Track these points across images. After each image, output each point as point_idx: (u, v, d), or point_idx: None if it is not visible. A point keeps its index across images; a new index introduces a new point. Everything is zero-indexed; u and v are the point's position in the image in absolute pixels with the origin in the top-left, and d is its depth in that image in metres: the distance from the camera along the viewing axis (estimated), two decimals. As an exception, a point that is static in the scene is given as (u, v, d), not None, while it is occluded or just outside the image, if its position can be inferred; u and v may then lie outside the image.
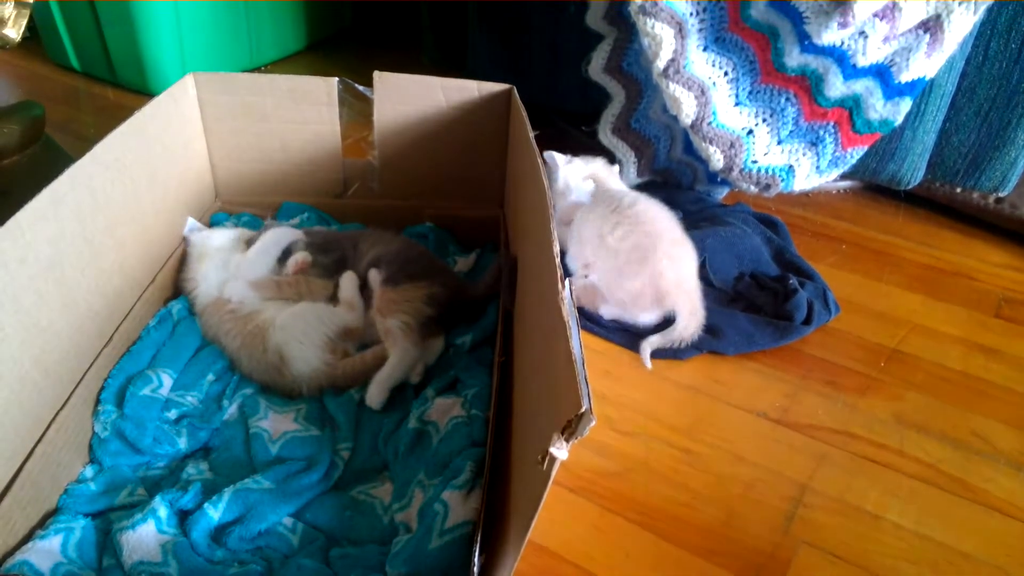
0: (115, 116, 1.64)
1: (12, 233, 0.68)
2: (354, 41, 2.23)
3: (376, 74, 1.07)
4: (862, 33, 1.09)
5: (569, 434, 0.52)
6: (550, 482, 0.53)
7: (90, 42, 1.77)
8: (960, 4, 1.07)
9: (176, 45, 1.70)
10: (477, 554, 0.65)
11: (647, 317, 1.07)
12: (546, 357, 0.66)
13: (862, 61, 1.12)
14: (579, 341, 0.57)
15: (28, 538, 0.69)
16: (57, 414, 0.76)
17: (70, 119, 1.64)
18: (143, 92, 1.76)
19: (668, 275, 1.03)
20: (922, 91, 1.20)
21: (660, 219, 1.08)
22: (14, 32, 1.17)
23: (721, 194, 1.43)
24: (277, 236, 1.02)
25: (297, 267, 0.99)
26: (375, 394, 0.88)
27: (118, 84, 1.81)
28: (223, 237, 1.03)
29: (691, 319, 1.03)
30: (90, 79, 1.85)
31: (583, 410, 0.51)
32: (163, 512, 0.72)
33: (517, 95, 1.04)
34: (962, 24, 1.08)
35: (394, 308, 0.94)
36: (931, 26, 1.09)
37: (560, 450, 0.52)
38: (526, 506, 0.59)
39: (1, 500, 0.67)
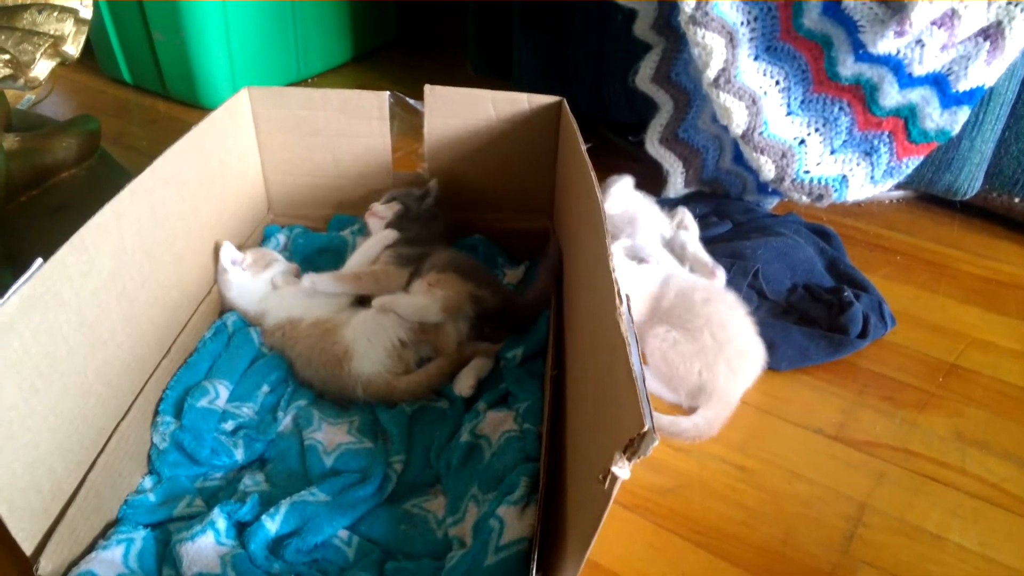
0: (166, 128, 1.70)
1: (76, 248, 0.70)
2: (400, 52, 2.25)
3: (427, 87, 1.07)
4: (919, 41, 1.07)
5: (631, 453, 0.51)
6: (611, 501, 0.53)
7: (142, 56, 1.80)
8: (1023, 10, 1.04)
9: (226, 58, 1.73)
10: (534, 572, 0.65)
11: (670, 394, 1.00)
12: (604, 373, 0.65)
13: (918, 70, 1.10)
14: (639, 358, 0.56)
15: (91, 547, 0.70)
16: (118, 425, 0.77)
17: (122, 132, 1.67)
18: (193, 105, 1.79)
19: (720, 383, 0.96)
20: (980, 100, 1.17)
21: (731, 324, 1.00)
22: (73, 48, 1.19)
23: (771, 204, 1.41)
24: (384, 237, 1.07)
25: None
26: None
27: (169, 97, 1.84)
28: (275, 273, 1.04)
29: (705, 427, 0.94)
30: (142, 92, 1.89)
31: (646, 429, 0.50)
32: (221, 524, 0.72)
33: (567, 107, 1.04)
34: (1024, 31, 1.06)
35: (444, 284, 0.97)
36: (991, 33, 1.06)
37: (622, 469, 0.52)
38: (585, 524, 0.59)
39: (67, 510, 0.68)
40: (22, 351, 0.62)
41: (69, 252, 0.69)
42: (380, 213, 1.09)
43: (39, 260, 0.66)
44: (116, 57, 1.85)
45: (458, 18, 1.96)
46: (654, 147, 1.36)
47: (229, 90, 1.77)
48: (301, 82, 1.98)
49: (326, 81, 2.02)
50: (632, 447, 0.51)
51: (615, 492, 0.52)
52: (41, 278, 0.65)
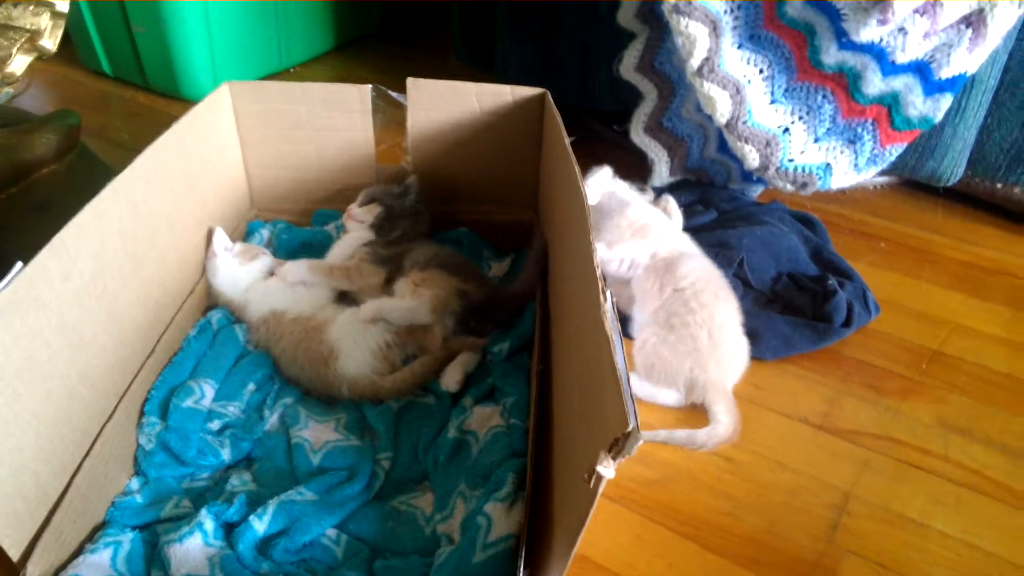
0: (147, 120, 1.68)
1: (57, 250, 0.69)
2: (383, 41, 2.23)
3: (410, 80, 1.06)
4: (901, 30, 1.07)
5: (616, 452, 0.52)
6: (596, 500, 0.53)
7: (121, 47, 1.78)
8: (1003, -2, 1.04)
9: (207, 49, 1.71)
10: (522, 568, 0.65)
11: (667, 397, 0.98)
12: (589, 371, 0.65)
13: (901, 58, 1.10)
14: (623, 357, 0.56)
15: (79, 552, 0.70)
16: (103, 428, 0.76)
17: (103, 125, 1.65)
18: (174, 96, 1.78)
19: (712, 376, 0.96)
20: (963, 87, 1.17)
21: (728, 327, 1.00)
22: (51, 43, 1.18)
23: (756, 192, 1.41)
24: (359, 237, 1.07)
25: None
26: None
27: (149, 89, 1.82)
28: (263, 264, 1.04)
29: (728, 422, 0.93)
30: (122, 84, 1.87)
31: (630, 428, 0.50)
32: (209, 525, 0.72)
33: (551, 99, 1.03)
34: (1006, 18, 1.06)
35: (429, 282, 0.97)
36: (973, 21, 1.07)
37: (607, 469, 0.52)
38: (571, 522, 0.59)
39: (53, 515, 0.68)
40: (3, 356, 0.62)
41: (49, 255, 0.68)
42: (358, 216, 1.07)
43: (19, 264, 0.65)
44: (95, 49, 1.83)
45: (442, 7, 1.95)
46: (639, 136, 1.36)
47: (210, 81, 1.75)
48: (283, 72, 1.96)
49: (308, 71, 2.00)
50: (617, 446, 0.52)
51: (600, 491, 0.52)
52: (21, 281, 0.64)
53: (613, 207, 1.11)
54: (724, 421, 0.92)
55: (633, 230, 1.07)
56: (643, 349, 1.00)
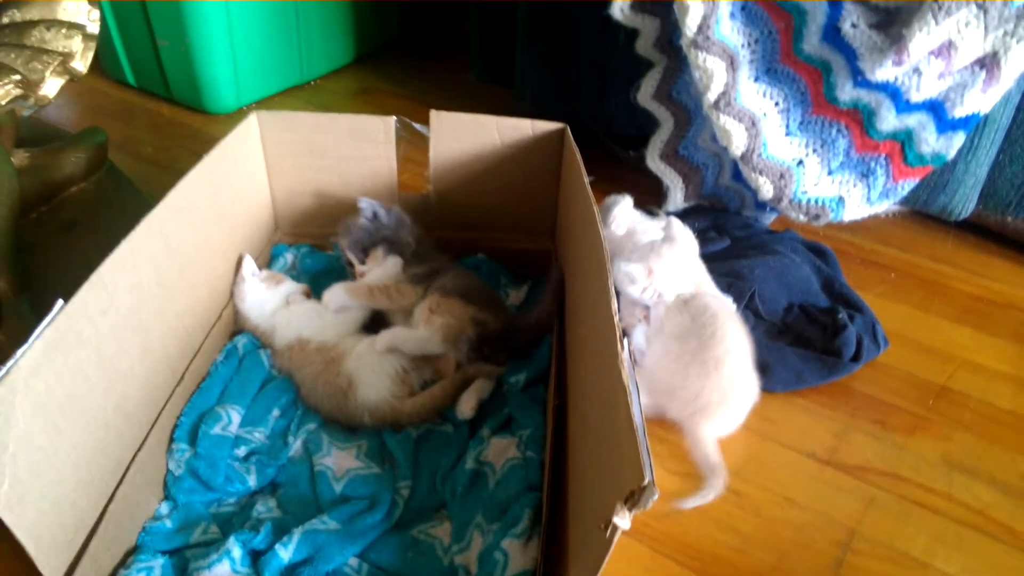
0: (171, 134, 1.71)
1: (96, 287, 0.72)
2: (402, 53, 2.25)
3: (432, 113, 1.09)
4: (916, 70, 1.09)
5: (632, 504, 0.54)
6: (611, 548, 0.55)
7: (146, 58, 1.81)
8: (1019, 41, 1.06)
9: (230, 63, 1.74)
10: (537, 606, 0.68)
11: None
12: (605, 417, 0.68)
13: (916, 97, 1.12)
14: (640, 407, 0.59)
15: (113, 577, 0.74)
16: (135, 455, 0.79)
17: (128, 137, 1.68)
18: (197, 109, 1.80)
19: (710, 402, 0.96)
20: (976, 125, 1.19)
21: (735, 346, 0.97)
22: (82, 65, 1.20)
23: (769, 220, 1.43)
24: (391, 265, 1.09)
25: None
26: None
27: (173, 100, 1.85)
28: (286, 290, 1.07)
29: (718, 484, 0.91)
30: (145, 95, 1.89)
31: (646, 482, 0.53)
32: (237, 552, 0.75)
33: (570, 134, 1.06)
34: (1020, 61, 1.07)
35: (444, 310, 1.00)
36: (987, 63, 1.08)
37: (623, 520, 0.54)
38: (586, 564, 0.62)
39: (89, 542, 0.70)
40: (46, 393, 0.65)
41: (89, 291, 0.71)
42: (373, 271, 1.09)
43: (60, 301, 0.68)
44: (120, 59, 1.86)
45: (461, 20, 1.96)
46: (655, 163, 1.38)
47: (233, 94, 1.79)
48: (304, 84, 1.99)
49: (329, 84, 2.03)
50: (633, 499, 0.54)
51: (616, 540, 0.55)
52: (63, 319, 0.67)
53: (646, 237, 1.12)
54: (712, 485, 0.91)
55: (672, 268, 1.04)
56: (650, 358, 1.00)
